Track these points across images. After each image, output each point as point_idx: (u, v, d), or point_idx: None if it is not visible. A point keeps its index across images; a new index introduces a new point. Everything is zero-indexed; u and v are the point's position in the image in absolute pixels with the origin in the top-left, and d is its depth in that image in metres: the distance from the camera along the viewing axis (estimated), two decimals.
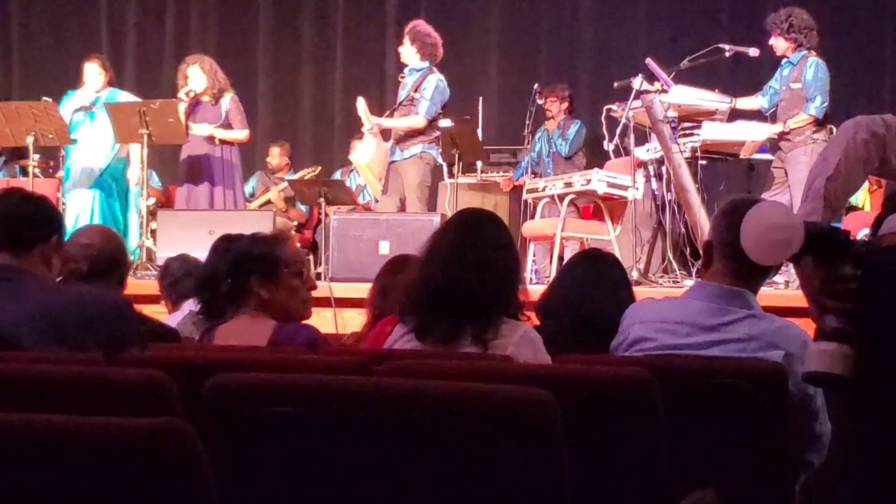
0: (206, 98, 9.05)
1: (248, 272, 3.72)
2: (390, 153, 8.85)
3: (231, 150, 9.13)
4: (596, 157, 9.69)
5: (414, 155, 8.73)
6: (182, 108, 8.91)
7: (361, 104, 8.81)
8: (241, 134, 9.15)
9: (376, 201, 9.61)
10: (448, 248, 3.41)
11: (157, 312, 5.09)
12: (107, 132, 8.82)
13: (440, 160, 9.03)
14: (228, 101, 9.06)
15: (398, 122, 8.77)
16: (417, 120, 8.69)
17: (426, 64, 8.82)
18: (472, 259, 3.34)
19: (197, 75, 9.01)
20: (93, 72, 9.01)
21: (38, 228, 3.36)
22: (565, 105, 10.26)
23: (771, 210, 2.58)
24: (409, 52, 8.84)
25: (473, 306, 3.32)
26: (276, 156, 11.38)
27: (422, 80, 8.77)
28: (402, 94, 8.90)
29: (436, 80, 8.77)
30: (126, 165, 9.08)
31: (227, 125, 9.05)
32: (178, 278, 5.27)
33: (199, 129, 8.99)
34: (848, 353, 2.52)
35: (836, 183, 2.70)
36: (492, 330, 3.31)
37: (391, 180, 8.86)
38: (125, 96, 9.14)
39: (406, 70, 8.96)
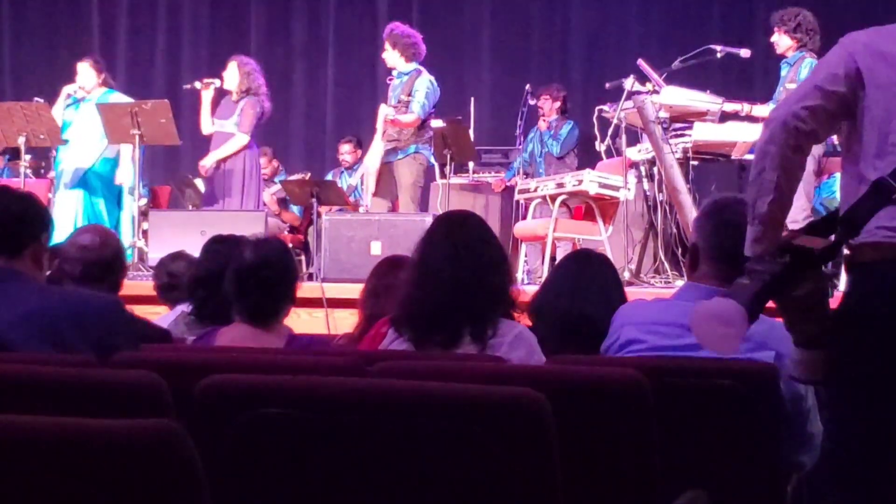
0: (232, 97, 9.06)
1: (293, 281, 3.73)
2: (385, 155, 8.86)
3: (249, 158, 9.06)
4: (588, 158, 9.70)
5: (408, 155, 8.76)
6: (206, 98, 8.95)
7: (383, 110, 8.83)
8: (240, 139, 9.00)
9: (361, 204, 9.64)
10: (436, 261, 3.39)
11: (150, 313, 5.08)
12: (94, 132, 8.81)
13: (433, 161, 9.04)
14: (244, 102, 9.00)
15: (399, 117, 8.76)
16: (411, 118, 8.70)
17: (413, 65, 8.84)
18: (463, 265, 3.34)
19: (230, 71, 9.04)
20: (85, 71, 9.02)
21: (28, 228, 3.35)
22: (558, 104, 10.25)
23: (714, 308, 2.63)
24: (393, 58, 8.86)
25: (470, 310, 3.33)
26: (263, 165, 11.37)
27: (412, 83, 8.78)
28: (393, 98, 8.90)
29: (426, 80, 8.79)
30: (115, 166, 9.05)
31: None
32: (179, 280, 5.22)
33: (222, 126, 8.99)
34: (824, 358, 2.61)
35: (779, 202, 2.73)
36: (490, 327, 3.32)
37: (384, 181, 8.88)
38: (118, 97, 9.12)
39: (394, 73, 8.97)
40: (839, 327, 2.63)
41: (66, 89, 9.02)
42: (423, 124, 8.76)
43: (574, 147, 10.20)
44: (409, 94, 8.76)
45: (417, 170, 8.79)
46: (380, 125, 8.80)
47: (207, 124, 9.01)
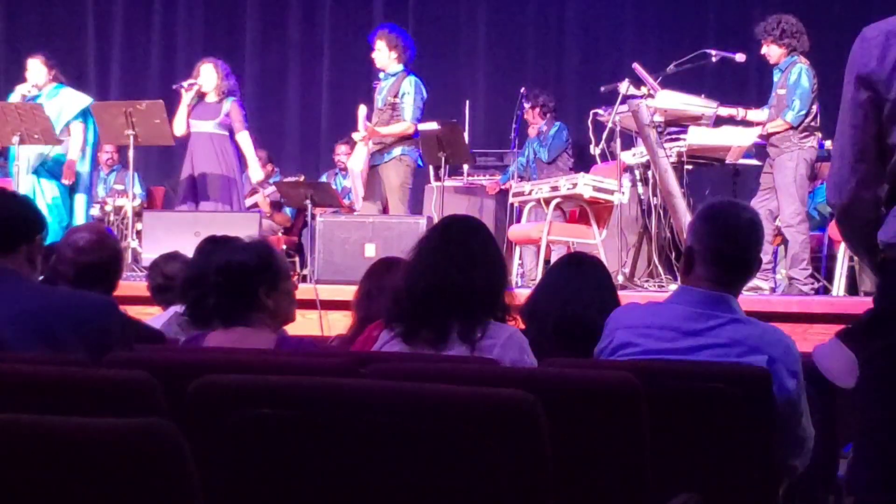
0: (210, 98, 9.07)
1: (256, 285, 3.68)
2: (371, 158, 8.86)
3: (232, 159, 9.10)
4: (582, 161, 9.71)
5: (394, 157, 8.78)
6: (186, 99, 8.96)
7: (363, 111, 8.85)
8: (247, 138, 9.17)
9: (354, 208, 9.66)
10: (433, 253, 3.43)
11: (143, 314, 5.08)
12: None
13: (419, 162, 9.05)
14: (230, 103, 9.06)
15: (389, 130, 8.78)
16: (406, 126, 8.72)
17: (401, 67, 8.85)
18: (457, 261, 3.37)
19: (209, 73, 9.05)
20: (35, 68, 9.03)
21: (22, 229, 3.35)
22: (537, 110, 10.24)
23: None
24: (385, 58, 8.86)
25: (460, 306, 3.34)
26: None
27: (399, 84, 8.79)
28: (380, 100, 8.92)
29: (414, 82, 8.82)
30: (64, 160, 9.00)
31: (227, 126, 9.04)
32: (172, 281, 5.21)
33: (203, 127, 9.00)
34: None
35: (868, 258, 2.78)
36: (479, 329, 3.33)
37: (372, 184, 8.89)
38: (68, 92, 9.07)
39: (381, 75, 8.99)
40: (875, 324, 2.62)
41: (20, 89, 9.01)
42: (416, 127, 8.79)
43: (565, 149, 10.17)
44: (396, 96, 8.77)
45: (405, 171, 8.81)
46: (361, 125, 8.82)
47: (183, 126, 9.00)
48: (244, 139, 9.15)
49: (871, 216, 2.68)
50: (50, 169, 8.95)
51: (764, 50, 7.99)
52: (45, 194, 8.90)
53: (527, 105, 10.23)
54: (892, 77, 2.60)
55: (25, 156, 8.87)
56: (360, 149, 8.89)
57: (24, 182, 8.83)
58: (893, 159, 2.62)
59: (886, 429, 2.59)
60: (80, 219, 8.89)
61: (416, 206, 10.88)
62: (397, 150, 8.78)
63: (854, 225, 2.76)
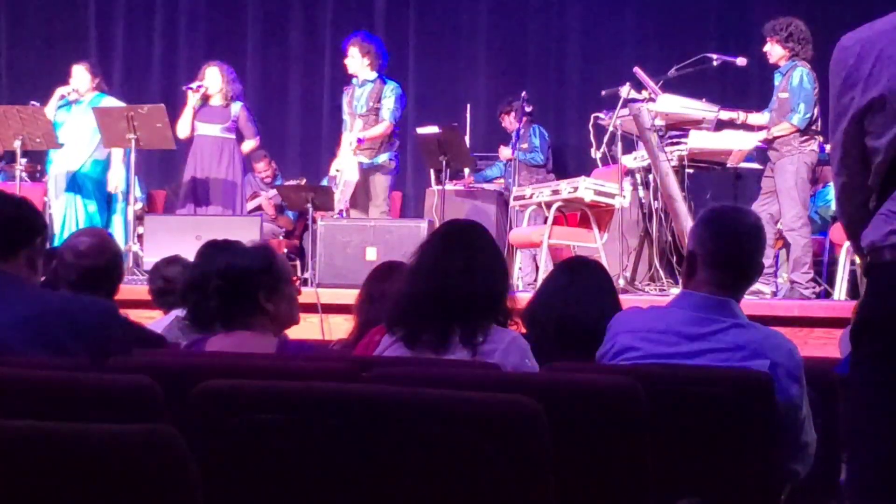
0: (215, 101, 9.11)
1: (255, 289, 3.67)
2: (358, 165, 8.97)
3: (236, 164, 9.16)
4: (583, 165, 9.71)
5: (381, 163, 8.92)
6: (193, 101, 9.03)
7: (346, 138, 9.00)
8: (249, 144, 9.36)
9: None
10: (435, 257, 3.43)
11: (144, 317, 5.08)
12: (86, 135, 8.84)
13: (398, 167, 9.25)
14: (239, 108, 9.16)
15: (370, 133, 8.93)
16: (385, 126, 8.92)
17: (375, 74, 8.94)
18: (459, 264, 3.36)
19: (214, 76, 9.09)
20: (80, 74, 9.06)
21: (22, 232, 3.35)
22: (513, 115, 10.29)
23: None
24: (359, 65, 9.00)
25: (461, 310, 3.34)
26: (263, 169, 11.39)
27: (379, 90, 8.89)
28: (359, 106, 8.99)
29: (394, 86, 8.97)
30: (106, 168, 9.08)
31: (236, 131, 9.11)
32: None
33: (209, 130, 9.06)
34: None
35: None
36: (481, 333, 3.33)
37: (359, 192, 8.97)
38: (110, 101, 9.13)
39: (354, 81, 9.06)
40: (862, 329, 2.61)
41: (60, 90, 9.08)
42: (393, 129, 8.95)
43: (548, 147, 10.34)
44: (378, 101, 8.87)
45: (390, 178, 9.06)
46: (346, 145, 8.92)
47: (188, 128, 9.06)
48: (250, 146, 9.33)
49: (858, 227, 2.69)
50: (89, 177, 9.01)
51: (766, 48, 8.00)
52: (86, 209, 8.95)
53: (520, 108, 10.26)
54: (869, 84, 2.61)
55: (54, 174, 8.99)
56: (353, 160, 8.95)
57: (57, 203, 8.91)
58: (874, 164, 2.63)
59: (878, 435, 2.58)
60: (118, 234, 8.93)
61: (417, 209, 10.88)
62: (384, 157, 8.93)
63: (848, 231, 2.77)
